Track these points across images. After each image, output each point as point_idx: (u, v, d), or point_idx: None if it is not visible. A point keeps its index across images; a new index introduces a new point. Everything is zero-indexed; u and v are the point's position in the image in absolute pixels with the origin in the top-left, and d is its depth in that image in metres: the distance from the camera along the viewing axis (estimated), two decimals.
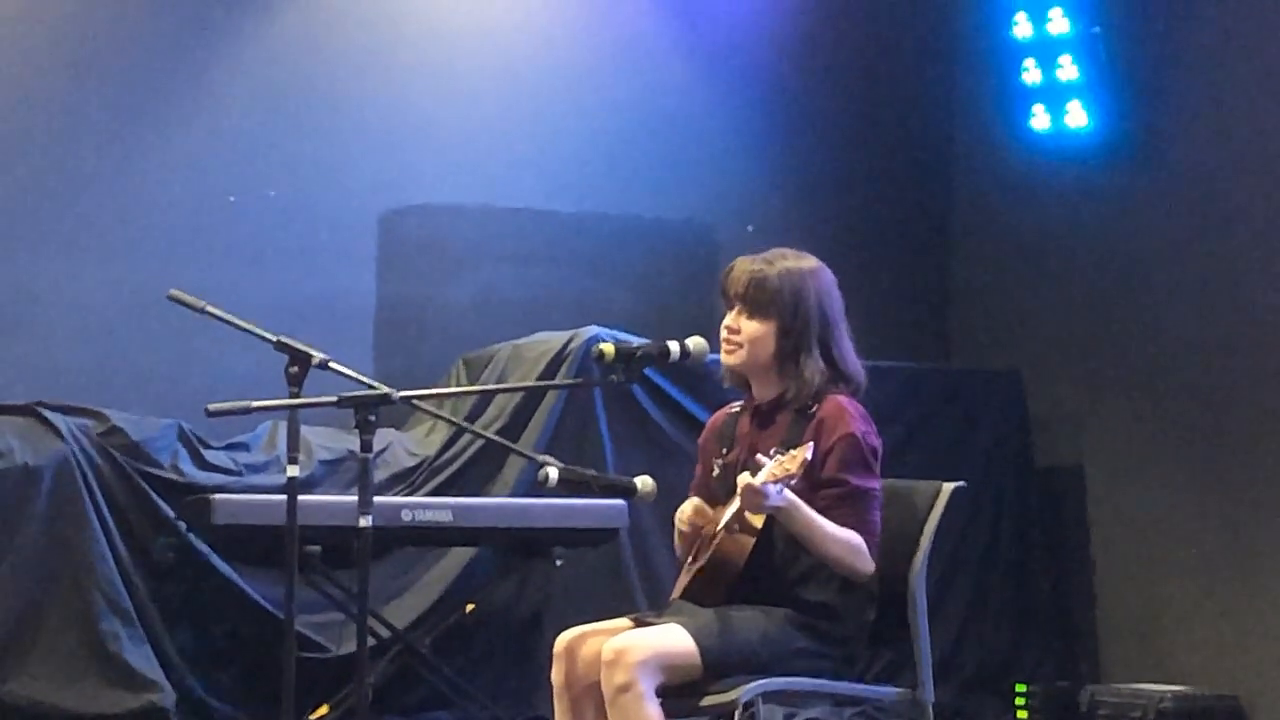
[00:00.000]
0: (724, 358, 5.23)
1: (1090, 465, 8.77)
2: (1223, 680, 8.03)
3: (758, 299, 5.16)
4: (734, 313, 5.20)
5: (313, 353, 5.37)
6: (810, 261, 5.22)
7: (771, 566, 5.07)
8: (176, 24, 7.94)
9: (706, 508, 5.18)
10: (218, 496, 6.75)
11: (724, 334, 5.21)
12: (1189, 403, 8.40)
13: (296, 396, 5.31)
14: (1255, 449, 8.13)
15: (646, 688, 4.84)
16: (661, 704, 4.86)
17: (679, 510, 5.21)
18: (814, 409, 5.11)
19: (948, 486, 5.27)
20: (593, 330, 7.59)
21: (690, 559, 5.20)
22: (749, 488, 4.85)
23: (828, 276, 5.22)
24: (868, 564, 5.02)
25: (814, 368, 5.14)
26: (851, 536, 4.99)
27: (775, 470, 4.85)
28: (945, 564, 8.10)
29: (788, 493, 4.88)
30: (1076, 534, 8.75)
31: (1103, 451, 8.72)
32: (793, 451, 4.87)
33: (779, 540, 5.06)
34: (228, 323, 5.59)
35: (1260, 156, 8.17)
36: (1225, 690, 7.94)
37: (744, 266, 5.21)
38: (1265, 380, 8.08)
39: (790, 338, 5.14)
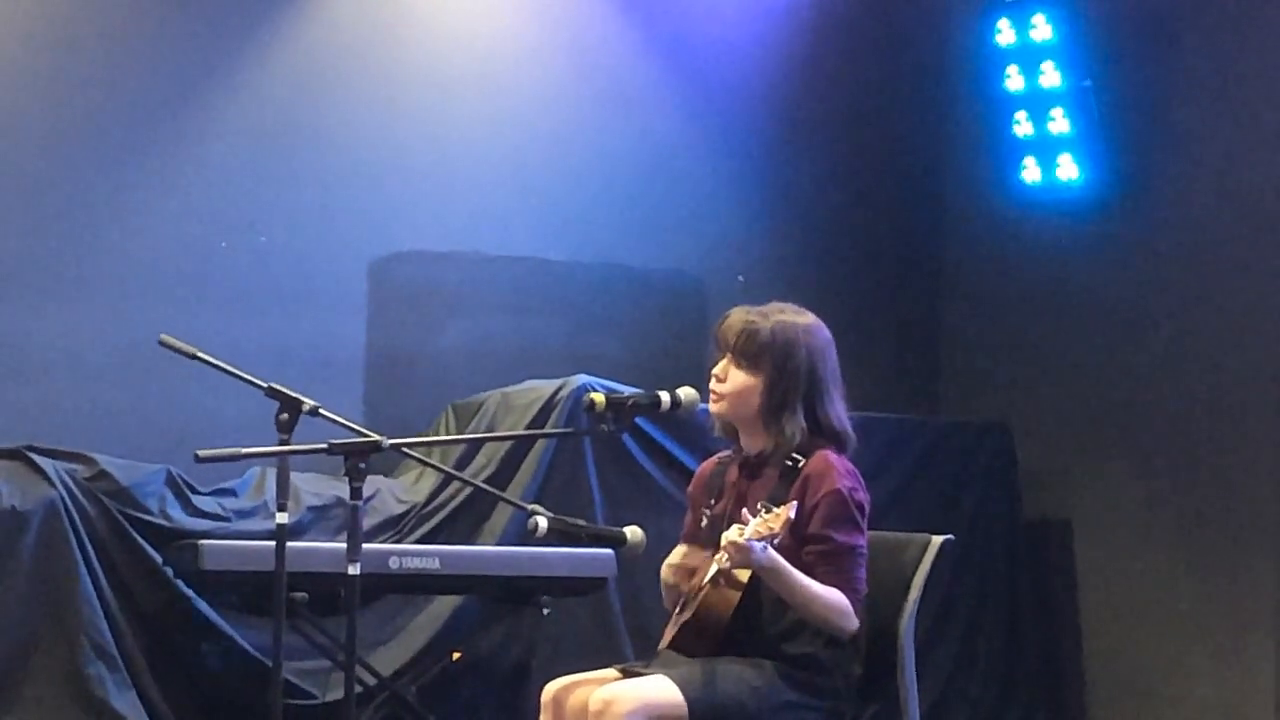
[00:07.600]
0: (710, 405, 5.23)
1: (1079, 519, 8.76)
2: None
3: (748, 350, 5.14)
4: (724, 361, 5.20)
5: (303, 400, 5.36)
6: (807, 318, 5.19)
7: (757, 620, 5.06)
8: (168, 70, 7.93)
9: (697, 552, 5.18)
10: (206, 543, 6.71)
11: (711, 381, 5.21)
12: (1178, 457, 8.41)
13: (286, 443, 5.30)
14: (1244, 505, 8.13)
15: None
16: None
17: (666, 561, 5.21)
18: (801, 463, 5.10)
19: (936, 540, 5.26)
20: (582, 379, 7.58)
21: (677, 610, 5.19)
22: (732, 544, 4.84)
23: (823, 335, 5.18)
24: (851, 623, 5.00)
25: (795, 426, 5.11)
26: (835, 596, 4.97)
27: (759, 528, 4.83)
28: (933, 617, 8.09)
29: (771, 551, 4.84)
30: (1065, 588, 8.73)
31: (1092, 506, 8.71)
32: (776, 510, 4.85)
33: (764, 594, 5.04)
34: (218, 368, 5.59)
35: (1251, 209, 8.19)
36: None
37: (739, 317, 5.19)
38: (1255, 435, 8.09)
39: (776, 393, 5.12)
